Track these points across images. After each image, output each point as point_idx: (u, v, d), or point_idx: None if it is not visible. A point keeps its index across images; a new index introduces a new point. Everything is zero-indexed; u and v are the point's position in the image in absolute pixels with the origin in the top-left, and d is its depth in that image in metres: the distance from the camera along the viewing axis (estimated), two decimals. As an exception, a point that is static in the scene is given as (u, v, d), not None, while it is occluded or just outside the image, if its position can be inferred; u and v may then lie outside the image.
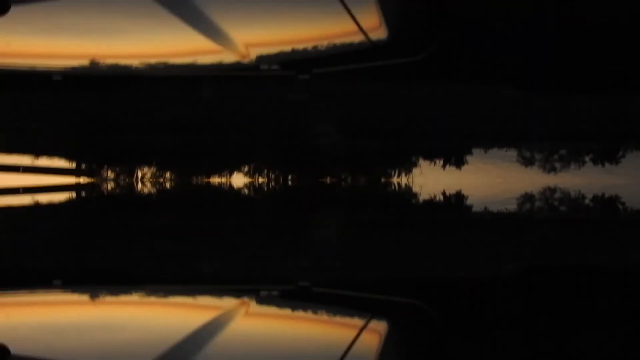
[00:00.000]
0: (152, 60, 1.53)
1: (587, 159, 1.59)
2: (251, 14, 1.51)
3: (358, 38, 1.52)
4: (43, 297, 1.53)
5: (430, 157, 1.59)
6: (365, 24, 1.51)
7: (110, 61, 1.53)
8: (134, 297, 1.52)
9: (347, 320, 1.44)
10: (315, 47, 1.53)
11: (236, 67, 1.54)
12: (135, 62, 1.53)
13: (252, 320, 1.45)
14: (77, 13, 1.50)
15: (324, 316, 1.45)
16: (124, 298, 1.53)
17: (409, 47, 1.55)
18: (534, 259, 1.56)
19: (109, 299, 1.52)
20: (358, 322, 1.41)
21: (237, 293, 1.52)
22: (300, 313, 1.48)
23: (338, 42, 1.53)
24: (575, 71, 1.54)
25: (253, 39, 1.52)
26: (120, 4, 1.49)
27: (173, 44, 1.52)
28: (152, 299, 1.51)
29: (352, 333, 1.36)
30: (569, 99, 1.55)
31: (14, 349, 1.28)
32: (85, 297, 1.53)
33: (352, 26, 1.51)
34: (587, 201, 1.57)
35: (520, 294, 1.48)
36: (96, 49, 1.52)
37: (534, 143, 1.59)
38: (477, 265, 1.56)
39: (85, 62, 1.53)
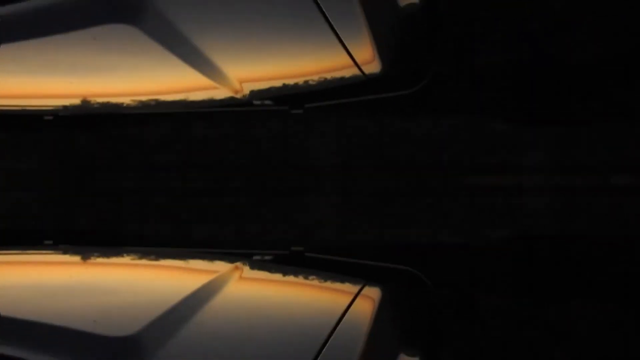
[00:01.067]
0: (144, 98, 1.52)
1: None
2: (245, 49, 1.50)
3: (352, 72, 1.52)
4: (33, 257, 1.50)
5: (424, 189, 1.58)
6: (359, 58, 1.50)
7: (101, 99, 1.51)
8: (126, 259, 1.49)
9: (341, 286, 1.42)
10: (309, 82, 1.52)
11: (229, 102, 1.53)
12: (126, 100, 1.52)
13: (246, 285, 1.42)
14: (68, 50, 1.48)
15: (318, 282, 1.43)
16: (115, 260, 1.49)
17: (402, 80, 1.55)
18: (526, 226, 1.55)
19: (101, 260, 1.49)
20: (352, 288, 1.39)
21: (230, 257, 1.49)
22: (294, 278, 1.46)
23: (332, 76, 1.52)
24: (571, 102, 1.54)
25: (247, 74, 1.51)
26: (113, 40, 1.48)
27: (166, 81, 1.51)
28: (144, 261, 1.49)
29: (347, 299, 1.34)
30: (563, 130, 1.55)
31: (3, 310, 1.24)
32: (76, 259, 1.50)
33: (346, 60, 1.50)
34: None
35: (513, 260, 1.47)
36: (87, 87, 1.50)
37: (529, 175, 1.59)
38: (470, 232, 1.54)
39: (76, 100, 1.51)
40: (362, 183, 1.55)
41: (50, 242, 1.53)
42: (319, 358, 1.15)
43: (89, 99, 1.51)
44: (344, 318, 1.26)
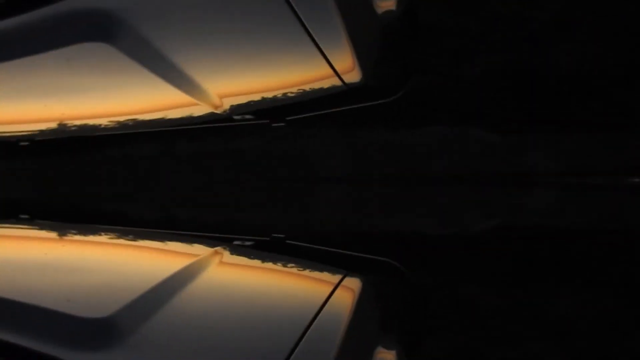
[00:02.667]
0: (122, 118, 1.48)
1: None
2: (224, 63, 1.47)
3: (333, 82, 1.50)
4: (7, 231, 1.44)
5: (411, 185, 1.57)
6: (339, 67, 1.49)
7: (79, 122, 1.47)
8: (104, 238, 1.44)
9: (321, 275, 1.40)
10: (290, 94, 1.50)
11: (210, 118, 1.50)
12: (104, 121, 1.48)
13: (227, 271, 1.39)
14: (40, 72, 1.44)
15: (298, 270, 1.40)
16: (92, 238, 1.44)
17: (383, 88, 1.53)
18: (507, 218, 1.54)
19: (78, 238, 1.44)
20: (332, 278, 1.37)
21: (210, 241, 1.45)
22: (274, 266, 1.43)
23: (313, 87, 1.50)
24: (569, 103, 1.53)
25: (227, 89, 1.49)
26: (87, 60, 1.44)
27: (143, 99, 1.47)
28: (122, 241, 1.44)
29: (327, 288, 1.31)
30: (559, 131, 1.55)
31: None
32: (52, 235, 1.45)
33: (326, 70, 1.48)
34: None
35: (493, 253, 1.46)
36: (63, 109, 1.46)
37: (524, 174, 1.58)
38: (452, 223, 1.52)
39: (53, 124, 1.47)
40: (348, 183, 1.54)
41: (27, 216, 1.47)
42: (297, 348, 1.13)
43: (65, 121, 1.47)
44: (324, 308, 1.24)
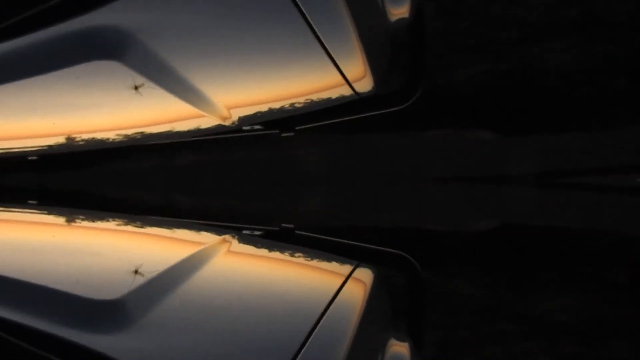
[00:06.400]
0: (130, 131, 1.45)
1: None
2: (232, 74, 1.45)
3: (343, 91, 1.48)
4: (16, 215, 1.44)
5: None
6: (351, 76, 1.46)
7: (86, 136, 1.44)
8: (111, 224, 1.45)
9: (329, 265, 1.40)
10: (299, 103, 1.48)
11: (218, 130, 1.47)
12: (111, 135, 1.45)
13: (234, 259, 1.39)
14: (48, 90, 1.41)
15: (306, 260, 1.41)
16: (100, 224, 1.45)
17: (394, 96, 1.51)
18: (507, 218, 1.54)
19: (86, 223, 1.44)
20: (341, 268, 1.37)
21: (218, 230, 1.46)
22: (286, 256, 1.43)
23: (323, 96, 1.48)
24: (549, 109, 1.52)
25: (235, 100, 1.46)
26: (96, 77, 1.41)
27: (152, 113, 1.45)
28: (130, 227, 1.44)
29: (338, 280, 1.32)
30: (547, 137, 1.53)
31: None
32: (60, 220, 1.46)
33: (337, 79, 1.46)
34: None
35: (491, 251, 1.47)
36: (72, 125, 1.43)
37: (516, 184, 1.57)
38: (452, 221, 1.51)
39: (61, 139, 1.44)
40: (355, 183, 1.53)
41: (35, 202, 1.46)
42: (310, 338, 1.13)
43: (73, 136, 1.44)
44: (336, 298, 1.23)
